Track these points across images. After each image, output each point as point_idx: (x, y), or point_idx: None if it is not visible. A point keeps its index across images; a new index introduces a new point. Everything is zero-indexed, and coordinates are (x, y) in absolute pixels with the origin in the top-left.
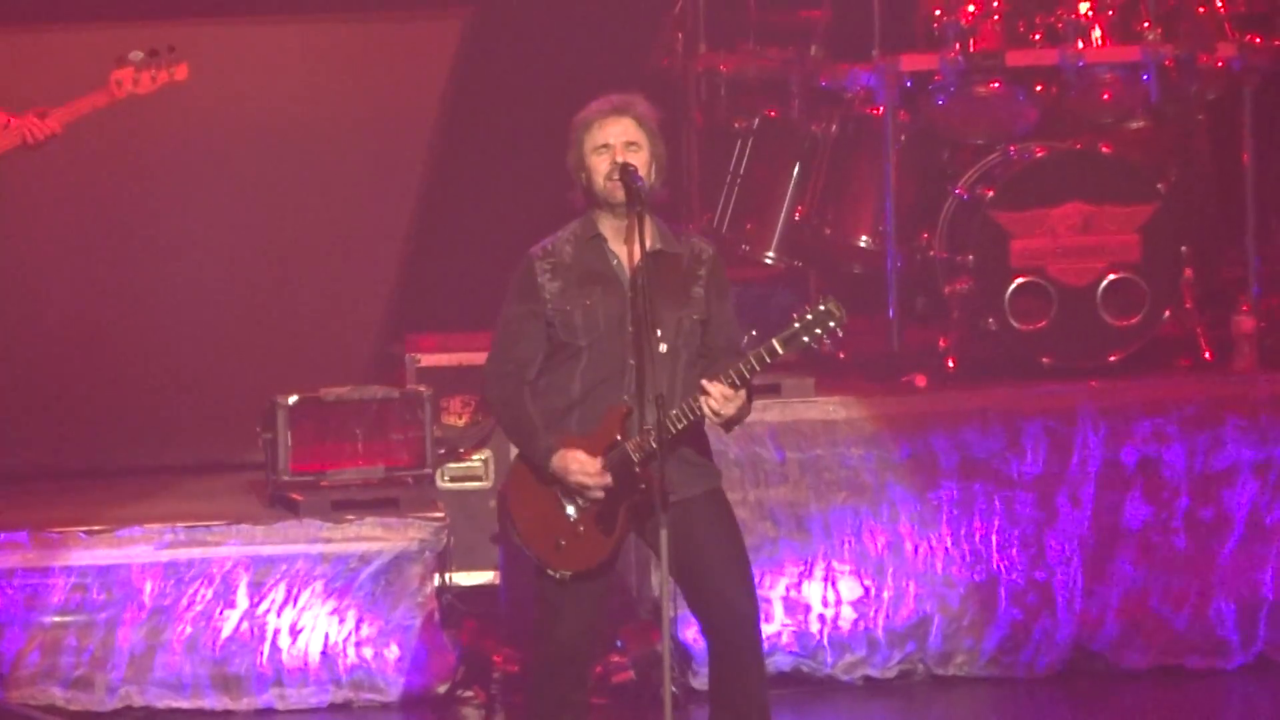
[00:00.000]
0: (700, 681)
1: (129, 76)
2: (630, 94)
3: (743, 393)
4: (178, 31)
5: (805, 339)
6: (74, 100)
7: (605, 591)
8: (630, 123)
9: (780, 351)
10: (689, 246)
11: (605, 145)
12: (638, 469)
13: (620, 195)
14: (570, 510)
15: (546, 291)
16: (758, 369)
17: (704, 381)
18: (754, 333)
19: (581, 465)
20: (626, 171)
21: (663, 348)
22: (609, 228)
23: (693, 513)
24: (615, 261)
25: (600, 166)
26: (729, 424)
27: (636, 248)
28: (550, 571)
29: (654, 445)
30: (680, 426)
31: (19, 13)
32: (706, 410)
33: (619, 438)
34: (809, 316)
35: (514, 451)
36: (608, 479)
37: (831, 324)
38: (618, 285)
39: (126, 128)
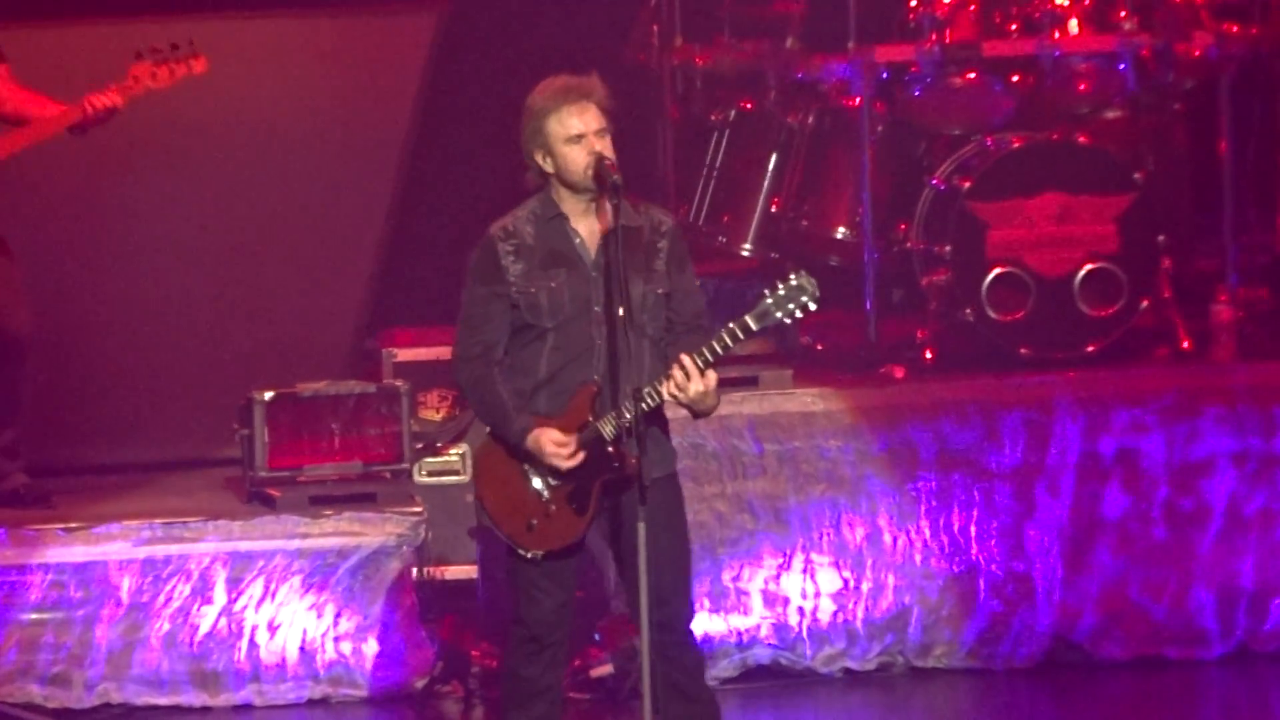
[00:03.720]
0: None
1: (147, 71)
2: (586, 76)
3: (711, 375)
4: (152, 28)
5: (779, 315)
6: (92, 95)
7: (575, 575)
8: (595, 109)
9: (753, 328)
10: (648, 218)
11: (579, 136)
12: (610, 448)
13: (597, 186)
14: (542, 490)
15: (510, 274)
16: (731, 345)
17: (674, 362)
18: (730, 325)
19: (556, 445)
20: (603, 168)
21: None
22: (570, 207)
23: (648, 500)
24: (578, 240)
25: (576, 156)
26: (699, 412)
27: (598, 227)
28: (522, 551)
29: (627, 423)
30: (654, 404)
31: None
32: (675, 387)
33: (590, 418)
34: (781, 292)
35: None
36: (580, 458)
37: (804, 299)
38: (581, 266)
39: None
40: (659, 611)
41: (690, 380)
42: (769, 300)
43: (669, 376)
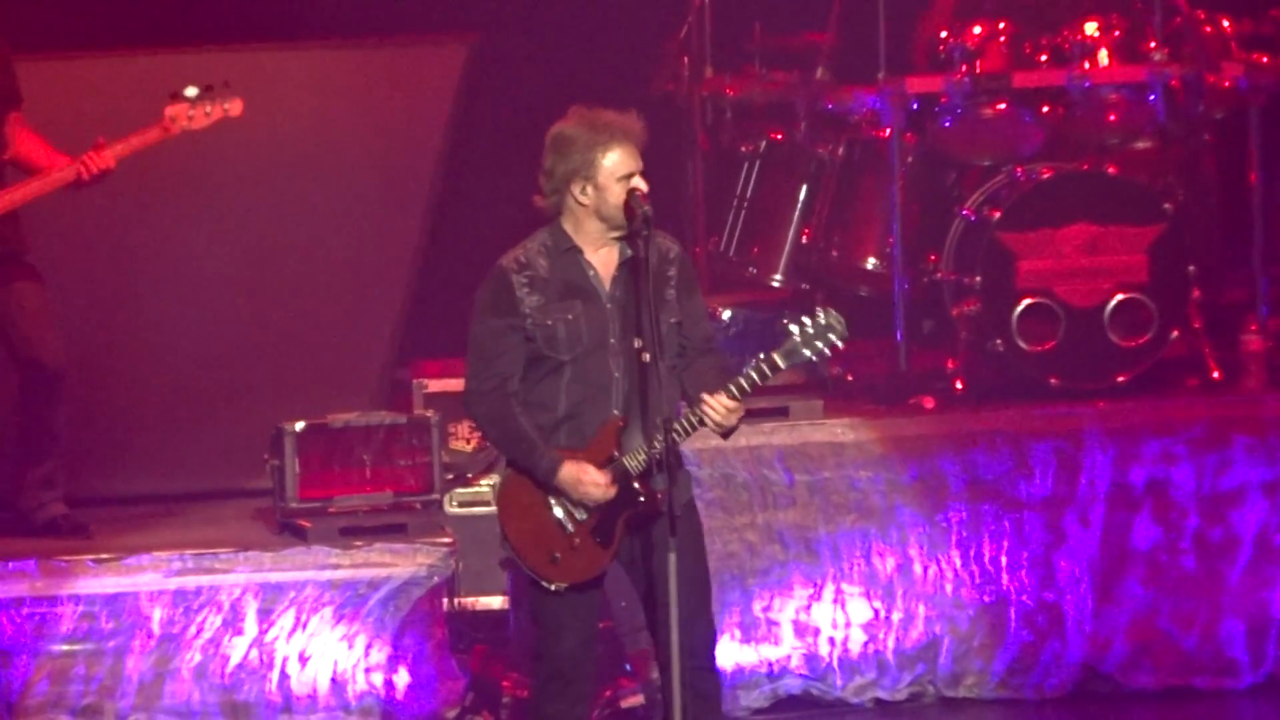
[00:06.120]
0: None
1: (183, 112)
2: (630, 115)
3: (741, 405)
4: (183, 60)
5: (806, 352)
6: (127, 136)
7: (598, 609)
8: (638, 150)
9: (782, 366)
10: (655, 248)
11: (630, 175)
12: (636, 484)
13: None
14: (565, 523)
15: (526, 305)
16: (759, 383)
17: (705, 396)
18: (761, 355)
19: (593, 479)
20: (634, 199)
21: (645, 357)
22: (585, 240)
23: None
24: (592, 273)
25: (624, 193)
26: (727, 432)
27: (613, 260)
28: (545, 584)
29: (656, 459)
30: (685, 437)
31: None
32: (710, 423)
33: (615, 453)
34: (810, 330)
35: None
36: (614, 492)
37: (832, 336)
38: (597, 298)
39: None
40: (682, 637)
41: (731, 412)
42: (797, 338)
43: (702, 410)
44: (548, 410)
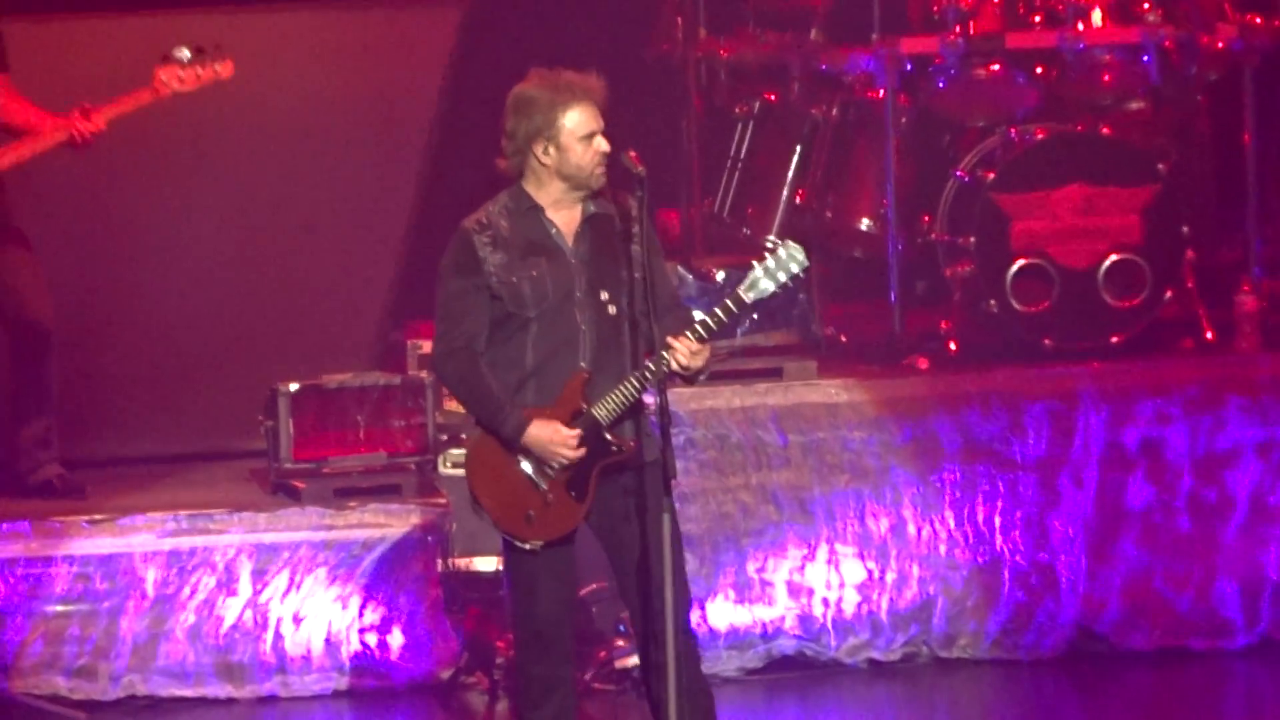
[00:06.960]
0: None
1: (174, 74)
2: (590, 75)
3: (708, 346)
4: (174, 20)
5: (769, 285)
6: (118, 98)
7: (574, 566)
8: (598, 109)
9: (746, 300)
10: (617, 205)
11: (592, 134)
12: (607, 434)
13: (603, 180)
14: (539, 480)
15: (490, 264)
16: (724, 320)
17: (670, 339)
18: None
19: (563, 437)
20: (628, 160)
21: (611, 310)
22: (546, 198)
23: (640, 488)
24: (554, 230)
25: (586, 152)
26: (693, 377)
27: (575, 217)
28: (520, 544)
29: (624, 406)
30: (650, 385)
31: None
32: (674, 365)
33: (584, 405)
34: (770, 264)
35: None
36: (583, 450)
37: (794, 267)
38: (561, 254)
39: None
40: (656, 599)
41: (695, 355)
42: (758, 272)
43: (669, 354)
44: (515, 367)
